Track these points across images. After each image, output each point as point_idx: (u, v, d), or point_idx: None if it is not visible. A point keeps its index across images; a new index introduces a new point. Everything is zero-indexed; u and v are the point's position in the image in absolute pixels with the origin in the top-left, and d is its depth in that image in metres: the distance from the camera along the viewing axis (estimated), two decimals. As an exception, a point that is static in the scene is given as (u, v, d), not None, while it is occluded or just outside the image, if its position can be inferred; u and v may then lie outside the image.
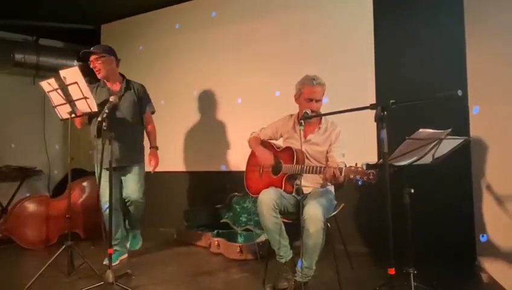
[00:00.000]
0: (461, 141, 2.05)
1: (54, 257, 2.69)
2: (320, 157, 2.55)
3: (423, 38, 3.28)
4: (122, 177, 3.22)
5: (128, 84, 3.22)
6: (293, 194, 2.49)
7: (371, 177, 1.90)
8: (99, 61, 3.06)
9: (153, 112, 3.38)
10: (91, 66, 3.11)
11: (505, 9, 2.38)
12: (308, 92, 2.48)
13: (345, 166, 2.09)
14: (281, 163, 2.52)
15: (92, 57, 3.07)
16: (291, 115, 2.71)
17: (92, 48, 3.08)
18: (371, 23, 3.47)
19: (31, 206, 3.77)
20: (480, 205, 2.79)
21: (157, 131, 3.40)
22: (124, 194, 3.25)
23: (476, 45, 2.89)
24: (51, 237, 3.80)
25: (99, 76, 3.11)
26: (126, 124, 3.15)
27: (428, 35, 3.27)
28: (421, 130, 1.87)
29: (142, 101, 3.25)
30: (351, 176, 1.99)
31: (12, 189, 4.73)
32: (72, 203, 3.54)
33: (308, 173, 2.33)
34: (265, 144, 2.74)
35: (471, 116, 2.91)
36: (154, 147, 3.27)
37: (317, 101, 2.49)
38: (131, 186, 3.21)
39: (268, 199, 2.33)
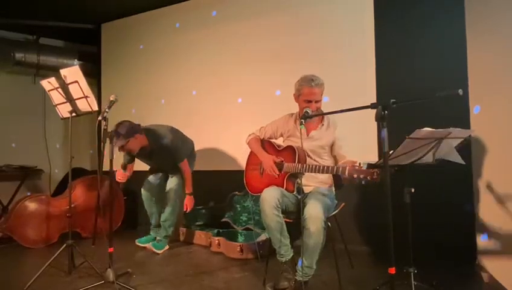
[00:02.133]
0: (462, 140, 2.04)
1: (55, 255, 2.70)
2: (320, 151, 2.55)
3: (424, 38, 3.28)
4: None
5: (151, 146, 3.36)
6: (295, 193, 2.49)
7: (375, 176, 1.89)
8: (127, 146, 3.16)
9: (188, 157, 3.58)
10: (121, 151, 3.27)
11: (506, 9, 2.37)
12: (306, 94, 2.48)
13: None
14: (283, 162, 2.52)
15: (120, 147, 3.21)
16: (292, 114, 2.71)
17: (115, 140, 3.01)
18: (372, 22, 3.46)
19: (31, 205, 3.78)
20: (481, 204, 2.79)
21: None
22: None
23: (477, 44, 2.89)
24: (51, 236, 3.81)
25: (137, 154, 3.41)
26: (166, 160, 3.48)
27: (428, 34, 3.27)
28: (424, 129, 1.86)
29: (172, 156, 3.44)
30: (355, 176, 1.98)
31: (13, 188, 4.73)
32: (73, 202, 3.55)
33: (310, 172, 2.32)
34: (266, 143, 2.74)
35: (471, 115, 2.91)
36: (188, 194, 3.54)
37: (316, 102, 2.48)
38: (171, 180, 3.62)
39: (271, 197, 2.33)
